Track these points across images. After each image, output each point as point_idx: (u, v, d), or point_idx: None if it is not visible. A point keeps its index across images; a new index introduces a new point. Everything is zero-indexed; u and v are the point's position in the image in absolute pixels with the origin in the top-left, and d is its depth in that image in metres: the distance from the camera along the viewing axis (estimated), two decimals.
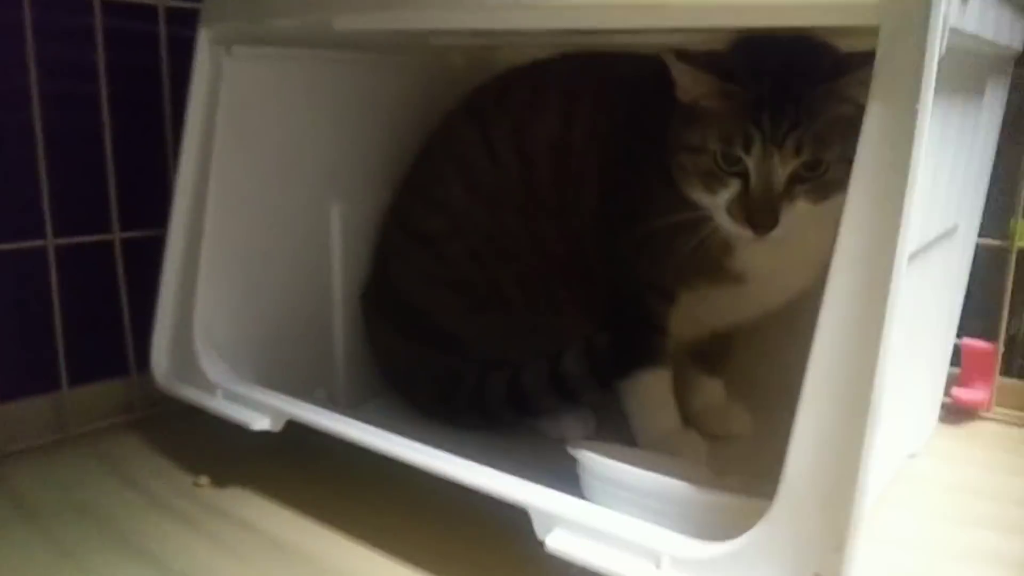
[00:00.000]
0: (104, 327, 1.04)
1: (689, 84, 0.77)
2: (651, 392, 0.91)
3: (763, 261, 0.84)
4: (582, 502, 0.65)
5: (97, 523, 0.83)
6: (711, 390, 1.02)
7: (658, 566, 0.59)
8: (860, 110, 0.70)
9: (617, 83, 0.95)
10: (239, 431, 0.90)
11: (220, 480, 0.91)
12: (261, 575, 0.74)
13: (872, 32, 0.53)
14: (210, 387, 0.92)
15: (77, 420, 1.02)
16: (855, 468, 0.50)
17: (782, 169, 0.73)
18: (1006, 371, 1.10)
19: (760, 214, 0.74)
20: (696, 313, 0.91)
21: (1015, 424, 1.08)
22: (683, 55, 0.75)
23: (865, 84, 0.69)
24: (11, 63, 0.94)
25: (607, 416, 0.96)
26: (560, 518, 0.63)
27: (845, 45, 0.75)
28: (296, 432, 0.85)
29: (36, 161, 0.95)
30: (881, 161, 0.51)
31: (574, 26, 0.81)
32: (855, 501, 0.50)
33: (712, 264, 0.84)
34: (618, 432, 0.92)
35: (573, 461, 0.75)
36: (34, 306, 0.99)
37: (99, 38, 0.99)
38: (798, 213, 0.74)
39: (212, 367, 0.93)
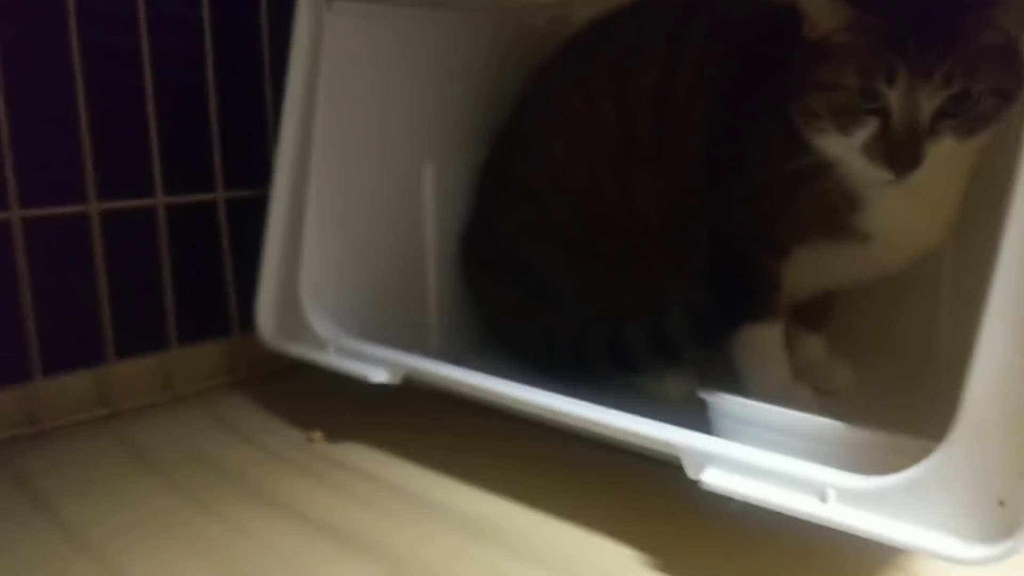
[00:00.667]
0: (208, 287, 1.05)
1: (823, 16, 0.73)
2: (764, 345, 0.89)
3: (892, 218, 0.79)
4: (733, 443, 0.65)
5: (222, 475, 0.84)
6: (814, 346, 1.01)
7: (823, 499, 0.58)
8: (1010, 39, 0.69)
9: (726, 25, 0.92)
10: (344, 388, 0.91)
11: (333, 435, 0.92)
12: (395, 521, 0.75)
13: None
14: (321, 343, 0.92)
15: (184, 380, 1.03)
16: None
17: (929, 102, 0.69)
18: None
19: (903, 152, 0.69)
20: (810, 271, 0.88)
21: None
22: None
23: (1020, 13, 0.68)
24: (119, 21, 0.95)
25: (708, 374, 0.95)
26: (713, 456, 0.63)
27: None
28: (396, 389, 0.86)
29: (146, 120, 0.96)
30: None
31: None
32: None
33: (836, 221, 0.80)
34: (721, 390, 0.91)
35: (685, 413, 0.73)
36: (142, 265, 1.00)
37: None
38: (943, 152, 0.70)
39: (321, 323, 0.93)
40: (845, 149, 0.74)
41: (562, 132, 0.98)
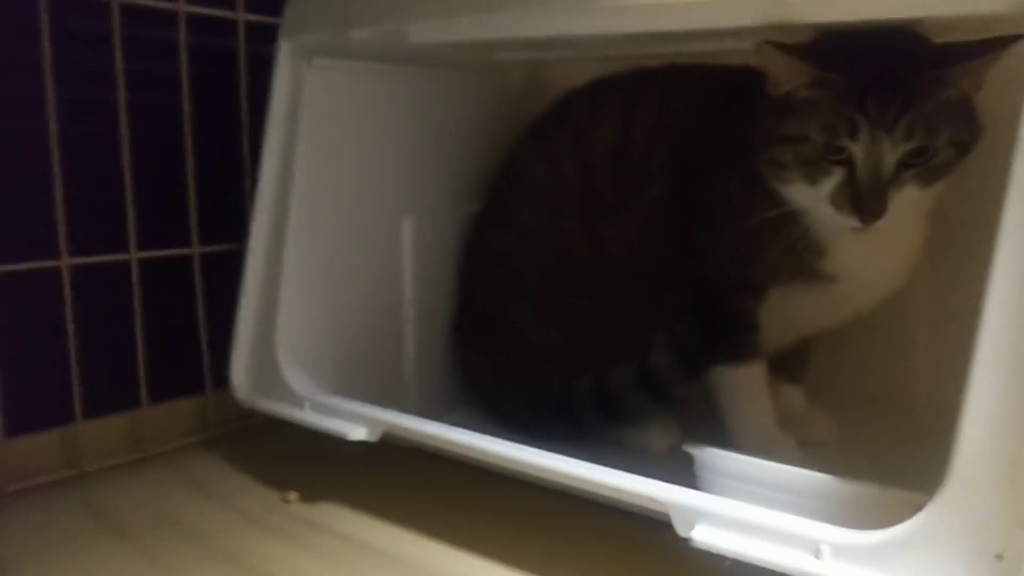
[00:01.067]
0: (181, 344, 1.03)
1: (785, 75, 0.75)
2: (745, 386, 0.89)
3: (858, 261, 0.82)
4: (725, 499, 0.64)
5: (193, 538, 0.81)
6: (793, 397, 1.01)
7: (817, 556, 0.57)
8: (965, 96, 0.72)
9: (684, 85, 0.96)
10: (321, 446, 0.89)
11: (309, 495, 0.89)
12: None
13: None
14: (297, 400, 0.90)
15: (155, 439, 1.00)
16: None
17: (891, 155, 0.71)
18: None
19: (868, 201, 0.72)
20: (784, 316, 0.89)
21: None
22: (779, 46, 0.74)
23: (975, 75, 0.71)
24: (98, 76, 0.94)
25: (689, 428, 0.94)
26: (703, 513, 0.62)
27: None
28: (374, 446, 0.84)
29: (121, 174, 0.95)
30: None
31: (670, 28, 0.82)
32: None
33: (804, 266, 0.83)
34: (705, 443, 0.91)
35: (669, 467, 0.72)
36: (114, 321, 0.97)
37: (182, 52, 0.99)
38: (905, 200, 0.73)
39: (297, 380, 0.92)
40: (812, 198, 0.76)
41: (526, 197, 1.02)
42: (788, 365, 1.00)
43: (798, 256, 0.82)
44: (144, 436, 0.99)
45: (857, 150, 0.72)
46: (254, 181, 0.96)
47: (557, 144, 1.00)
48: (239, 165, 1.06)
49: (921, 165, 0.72)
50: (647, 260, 0.94)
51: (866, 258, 0.82)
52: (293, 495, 0.89)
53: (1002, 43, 0.68)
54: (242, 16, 1.05)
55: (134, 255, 0.96)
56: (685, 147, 0.92)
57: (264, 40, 0.99)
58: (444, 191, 1.11)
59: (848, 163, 0.73)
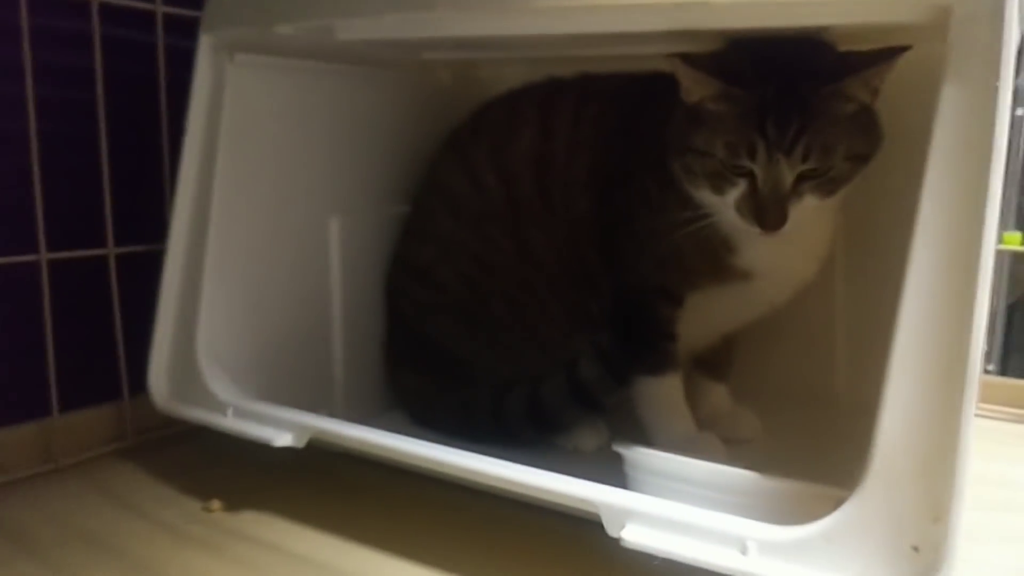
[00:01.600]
0: (95, 348, 0.98)
1: (693, 87, 0.78)
2: (665, 399, 0.91)
3: (767, 256, 0.85)
4: (653, 498, 0.64)
5: (109, 553, 0.77)
6: (717, 396, 1.03)
7: (744, 552, 0.58)
8: (862, 107, 0.75)
9: (600, 91, 0.97)
10: (242, 454, 0.87)
11: (232, 504, 0.87)
12: None
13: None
14: (219, 406, 0.87)
15: (67, 449, 0.95)
16: (955, 434, 0.51)
17: (789, 174, 0.75)
18: None
19: (769, 214, 0.76)
20: (704, 315, 0.92)
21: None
22: (687, 58, 0.77)
23: (869, 84, 0.74)
24: (4, 68, 0.89)
25: (616, 426, 0.95)
26: (633, 513, 0.62)
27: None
28: (299, 452, 0.82)
29: (30, 171, 0.90)
30: (962, 140, 0.53)
31: (599, 30, 0.82)
32: (956, 469, 0.51)
33: (717, 262, 0.85)
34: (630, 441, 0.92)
35: (598, 465, 0.73)
36: (22, 325, 0.93)
37: (96, 44, 0.95)
38: (805, 209, 0.76)
39: (219, 385, 0.89)
40: (719, 205, 0.80)
41: (447, 207, 1.03)
42: (712, 364, 1.02)
43: (711, 253, 0.85)
44: (55, 446, 0.95)
45: (757, 168, 0.75)
46: (174, 179, 0.93)
47: (475, 155, 1.01)
48: (158, 162, 1.02)
49: (819, 178, 0.76)
50: (573, 267, 0.95)
51: (776, 254, 0.85)
52: (216, 504, 0.86)
53: (892, 53, 0.72)
54: (160, 8, 1.01)
55: (44, 256, 0.92)
56: (606, 154, 0.93)
57: (186, 33, 0.96)
58: (372, 190, 1.10)
59: (751, 175, 0.76)
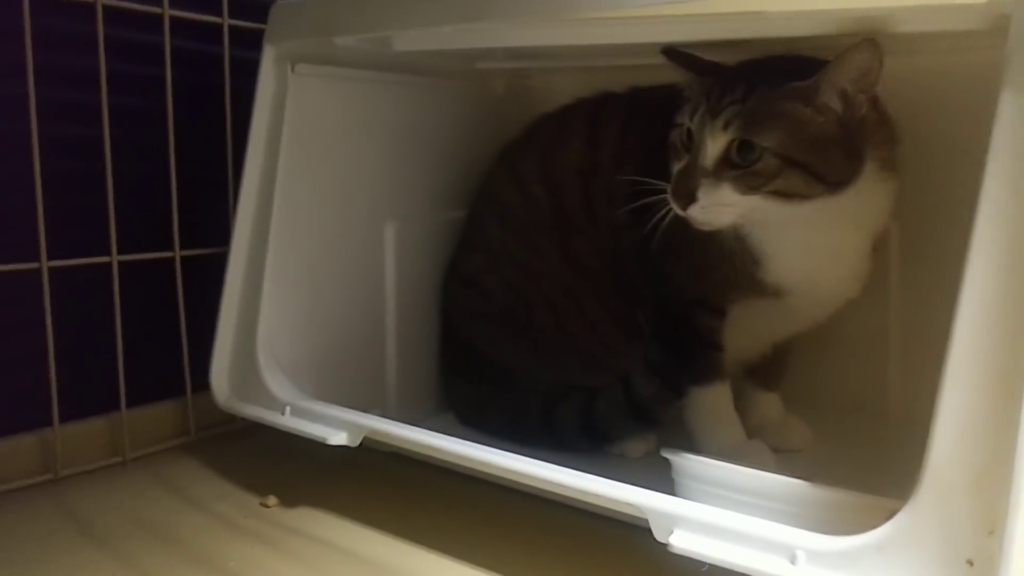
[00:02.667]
0: (161, 347, 1.02)
1: (680, 77, 0.82)
2: (713, 408, 0.91)
3: (796, 273, 0.83)
4: (702, 505, 0.64)
5: (171, 544, 0.80)
6: (768, 404, 1.02)
7: (793, 561, 0.58)
8: (834, 125, 0.74)
9: (645, 106, 0.98)
10: (298, 451, 0.89)
11: (288, 500, 0.89)
12: None
13: None
14: (277, 404, 0.90)
15: (134, 443, 0.99)
16: (1010, 445, 0.50)
17: (711, 142, 0.74)
18: None
19: (682, 185, 0.75)
20: (748, 327, 0.91)
21: None
22: (668, 52, 0.80)
23: (836, 86, 0.73)
24: (81, 78, 0.94)
25: (662, 432, 0.95)
26: (681, 519, 0.62)
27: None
28: (353, 451, 0.84)
29: (103, 176, 0.94)
30: (1021, 146, 0.52)
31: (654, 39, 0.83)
32: (1012, 481, 0.50)
33: (746, 275, 0.84)
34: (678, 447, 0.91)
35: (645, 471, 0.73)
36: (93, 324, 0.97)
37: (166, 55, 0.99)
38: (721, 198, 0.75)
39: (278, 384, 0.92)
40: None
41: (496, 217, 1.04)
42: (763, 372, 1.01)
43: (738, 265, 0.83)
44: (123, 440, 0.98)
45: (692, 129, 0.76)
46: (237, 185, 0.96)
47: (525, 167, 1.02)
48: (222, 169, 1.06)
49: (741, 168, 0.74)
50: (618, 277, 0.95)
51: (805, 270, 0.83)
52: (272, 500, 0.89)
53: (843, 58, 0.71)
54: (227, 21, 1.05)
55: (115, 258, 0.96)
56: (648, 165, 0.93)
57: (249, 45, 1.00)
58: (426, 196, 1.12)
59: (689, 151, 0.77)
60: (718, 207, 0.75)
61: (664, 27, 0.76)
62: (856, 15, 0.66)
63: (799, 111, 0.74)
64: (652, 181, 0.81)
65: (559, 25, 0.78)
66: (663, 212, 0.80)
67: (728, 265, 0.83)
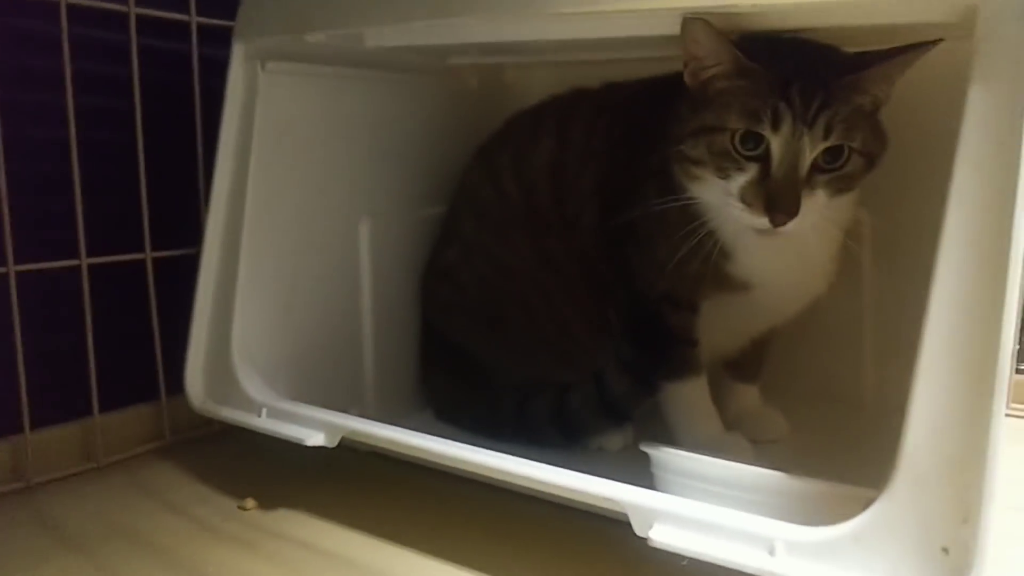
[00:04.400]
0: (134, 350, 1.01)
1: (710, 55, 0.74)
2: (689, 402, 0.91)
3: (764, 268, 0.83)
4: (681, 498, 0.65)
5: (148, 549, 0.79)
6: (746, 397, 1.02)
7: (772, 553, 0.58)
8: (876, 107, 0.74)
9: (613, 102, 0.97)
10: (276, 453, 0.88)
11: (266, 502, 0.88)
12: None
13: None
14: (253, 406, 0.89)
15: (108, 448, 0.98)
16: (984, 434, 0.51)
17: (808, 151, 0.71)
18: None
19: (782, 199, 0.70)
20: (721, 322, 0.91)
21: None
22: (710, 24, 0.71)
23: (887, 80, 0.73)
24: (46, 78, 0.92)
25: (640, 425, 0.95)
26: (661, 513, 0.63)
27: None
28: (331, 451, 0.83)
29: (71, 178, 0.93)
30: (990, 139, 0.52)
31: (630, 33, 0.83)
32: (986, 469, 0.51)
33: (715, 270, 0.83)
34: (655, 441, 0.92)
35: (624, 465, 0.73)
36: (64, 328, 0.95)
37: (133, 54, 0.98)
38: (815, 206, 0.72)
39: (253, 386, 0.91)
40: (722, 194, 0.75)
41: (472, 211, 1.04)
42: (741, 366, 1.02)
43: (708, 260, 0.81)
44: (96, 445, 0.97)
45: (775, 143, 0.71)
46: (208, 185, 0.95)
47: (499, 163, 1.02)
48: (193, 169, 1.04)
49: (833, 172, 0.72)
50: (589, 275, 0.95)
51: (772, 264, 0.83)
52: (250, 502, 0.88)
53: (922, 45, 0.69)
54: (195, 19, 1.04)
55: (84, 260, 0.94)
56: (611, 163, 0.94)
57: (218, 43, 0.98)
58: (401, 193, 1.11)
59: (763, 159, 0.72)
60: (811, 215, 0.72)
61: (639, 21, 0.75)
62: (828, 6, 0.66)
63: (863, 102, 0.72)
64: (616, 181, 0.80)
65: (533, 20, 0.78)
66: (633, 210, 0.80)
67: (697, 259, 0.81)
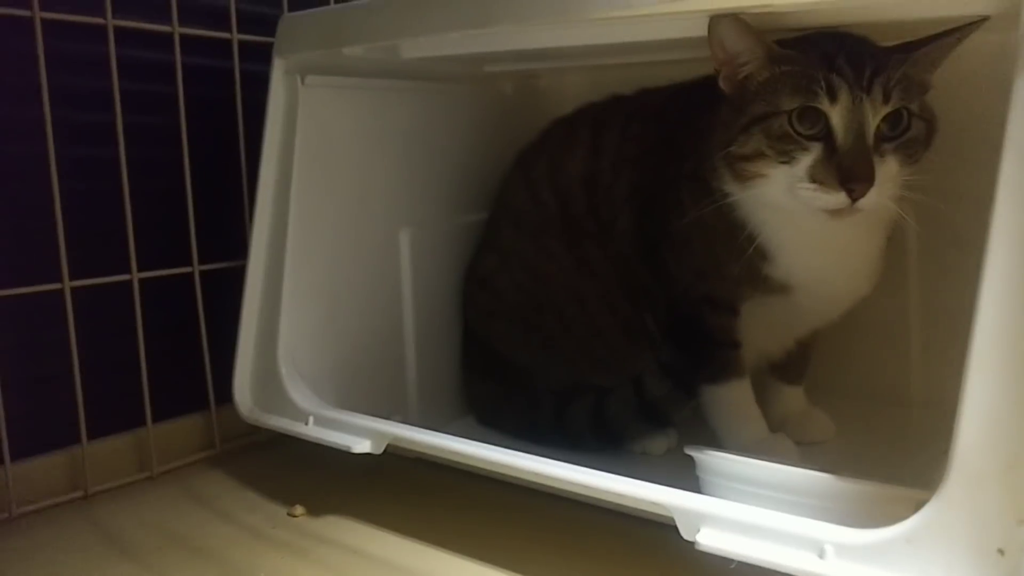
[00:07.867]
0: (184, 362, 1.03)
1: (744, 50, 0.73)
2: (732, 405, 0.90)
3: (805, 270, 0.82)
4: (728, 502, 0.64)
5: (200, 556, 0.81)
6: (791, 398, 1.01)
7: (821, 555, 0.57)
8: (922, 91, 0.72)
9: (646, 108, 0.98)
10: (323, 460, 0.89)
11: (315, 509, 0.90)
12: None
13: None
14: (300, 415, 0.90)
15: (160, 457, 1.00)
16: None
17: (872, 117, 0.69)
18: None
19: (856, 168, 0.68)
20: (766, 324, 0.90)
21: None
22: (739, 19, 0.71)
23: (932, 63, 0.72)
24: (94, 97, 0.95)
25: (685, 428, 0.95)
26: (708, 516, 0.62)
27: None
28: (377, 458, 0.84)
29: (121, 195, 0.95)
30: None
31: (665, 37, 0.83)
32: None
33: (754, 272, 0.82)
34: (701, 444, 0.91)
35: (669, 468, 0.73)
36: (116, 342, 0.98)
37: (178, 72, 1.00)
38: (889, 175, 0.70)
39: (300, 394, 0.92)
40: (788, 181, 0.73)
41: (510, 219, 1.06)
42: (785, 367, 1.01)
43: (749, 263, 0.81)
44: (150, 455, 1.00)
45: (836, 115, 0.70)
46: (252, 198, 0.97)
47: (536, 172, 1.03)
48: (237, 183, 1.07)
49: (898, 139, 0.71)
50: (628, 281, 0.95)
51: (813, 267, 0.82)
52: (299, 509, 0.90)
53: (969, 26, 0.68)
54: (236, 36, 1.06)
55: (135, 275, 0.97)
56: (645, 169, 0.94)
57: (259, 59, 1.00)
58: (440, 201, 1.12)
59: (825, 136, 0.70)
60: (886, 186, 0.70)
61: (672, 24, 0.75)
62: (866, 2, 0.65)
63: (914, 72, 0.71)
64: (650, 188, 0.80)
65: (567, 26, 0.78)
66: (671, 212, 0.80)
67: (736, 262, 0.80)
